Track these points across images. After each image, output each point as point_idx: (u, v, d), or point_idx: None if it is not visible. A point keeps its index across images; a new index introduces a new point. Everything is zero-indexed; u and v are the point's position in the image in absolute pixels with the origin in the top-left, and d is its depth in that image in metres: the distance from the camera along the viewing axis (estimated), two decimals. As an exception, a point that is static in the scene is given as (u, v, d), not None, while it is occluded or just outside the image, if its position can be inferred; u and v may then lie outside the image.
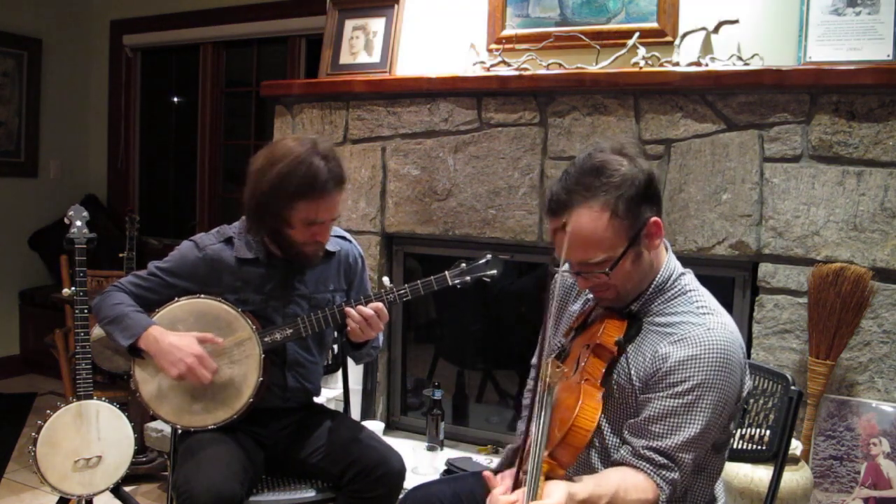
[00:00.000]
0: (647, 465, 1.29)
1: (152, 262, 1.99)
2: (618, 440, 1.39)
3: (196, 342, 1.84)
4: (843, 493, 2.18)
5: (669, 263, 1.44)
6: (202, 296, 1.93)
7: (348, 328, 1.85)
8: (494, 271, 1.92)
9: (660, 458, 1.29)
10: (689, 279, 1.45)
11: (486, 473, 1.25)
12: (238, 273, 1.95)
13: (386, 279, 1.95)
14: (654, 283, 1.42)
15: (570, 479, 1.21)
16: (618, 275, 1.36)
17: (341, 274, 2.06)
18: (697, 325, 1.34)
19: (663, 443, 1.29)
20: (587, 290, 1.56)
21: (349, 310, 1.83)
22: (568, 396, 1.29)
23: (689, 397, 1.29)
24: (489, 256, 1.93)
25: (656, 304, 1.41)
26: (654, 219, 1.37)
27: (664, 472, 1.29)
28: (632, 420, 1.35)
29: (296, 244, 1.89)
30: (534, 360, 1.76)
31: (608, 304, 1.44)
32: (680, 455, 1.29)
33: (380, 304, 1.85)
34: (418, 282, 1.89)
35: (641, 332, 1.40)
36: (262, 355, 1.89)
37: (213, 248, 1.95)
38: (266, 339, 1.90)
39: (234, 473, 1.76)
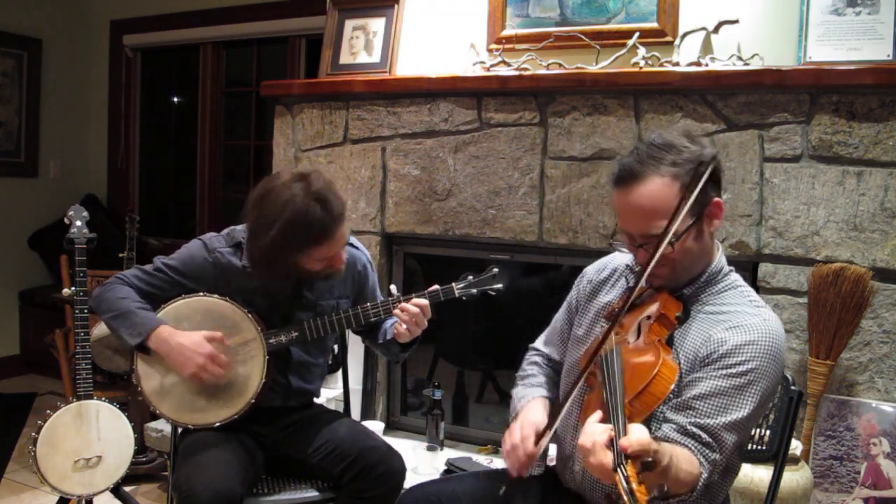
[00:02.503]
0: (692, 442, 1.29)
1: (158, 257, 1.98)
2: (656, 424, 1.38)
3: (205, 341, 1.84)
4: (843, 493, 2.18)
5: (721, 258, 1.48)
6: (208, 294, 1.93)
7: (398, 330, 1.88)
8: (500, 285, 1.96)
9: (705, 436, 1.29)
10: (738, 276, 1.49)
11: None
12: (246, 280, 1.94)
13: (393, 287, 1.96)
14: (707, 272, 1.45)
15: None
16: (679, 249, 1.37)
17: (348, 281, 2.06)
18: (754, 314, 1.38)
19: (710, 420, 1.29)
20: (624, 281, 1.58)
21: (400, 309, 1.85)
22: (642, 353, 1.31)
23: (743, 380, 1.30)
24: (495, 270, 1.97)
25: (706, 294, 1.44)
26: (717, 199, 1.40)
27: (707, 452, 1.28)
28: (676, 399, 1.35)
29: (314, 274, 1.90)
30: (535, 344, 1.79)
31: (661, 284, 1.45)
32: (724, 436, 1.29)
33: (425, 301, 1.87)
34: (425, 292, 1.92)
35: (690, 319, 1.42)
36: (267, 356, 1.89)
37: (222, 252, 1.95)
38: (271, 341, 1.91)
39: (235, 473, 1.76)
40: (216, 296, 1.92)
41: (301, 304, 1.99)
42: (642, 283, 1.39)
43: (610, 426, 1.13)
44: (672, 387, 1.25)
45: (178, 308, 1.92)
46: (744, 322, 1.36)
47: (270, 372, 1.90)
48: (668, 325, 1.39)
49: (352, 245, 2.10)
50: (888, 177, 2.17)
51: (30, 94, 4.37)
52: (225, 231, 2.00)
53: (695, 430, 1.29)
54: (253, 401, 1.88)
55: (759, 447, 1.66)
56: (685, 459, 1.25)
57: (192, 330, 1.88)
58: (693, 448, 1.28)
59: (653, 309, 1.41)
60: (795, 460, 2.07)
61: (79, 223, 2.29)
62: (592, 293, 1.64)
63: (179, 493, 1.71)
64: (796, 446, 2.12)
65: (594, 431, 1.14)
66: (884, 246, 2.18)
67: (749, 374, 1.31)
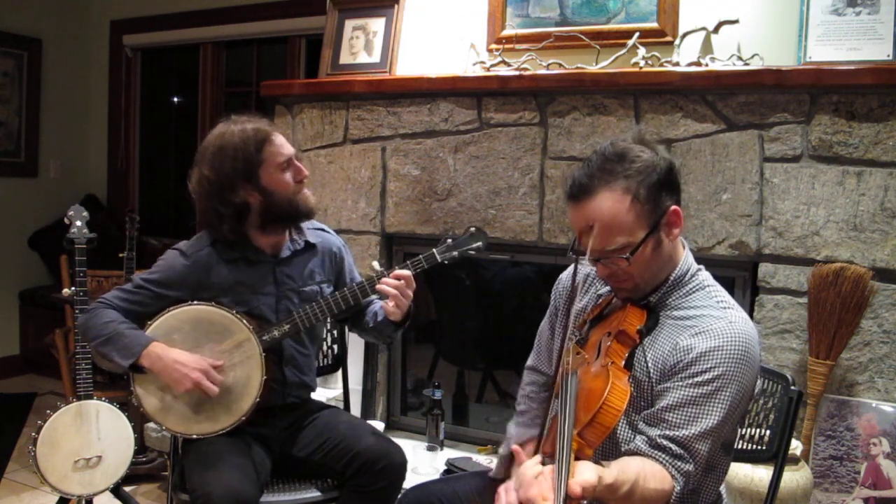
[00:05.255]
0: (663, 456, 1.28)
1: (136, 274, 1.98)
2: (630, 433, 1.38)
3: (200, 356, 1.84)
4: (843, 493, 2.18)
5: (687, 259, 1.45)
6: (195, 302, 1.91)
7: (386, 306, 1.87)
8: (479, 243, 1.94)
9: (676, 448, 1.28)
10: (706, 275, 1.46)
11: (516, 448, 1.24)
12: (227, 274, 1.94)
13: (375, 263, 1.96)
14: (673, 276, 1.42)
15: (597, 461, 1.20)
16: (637, 262, 1.36)
17: (326, 265, 2.07)
18: (719, 318, 1.35)
19: (680, 432, 1.28)
20: (596, 287, 1.57)
21: (382, 284, 1.86)
22: (594, 379, 1.29)
23: (710, 387, 1.29)
24: (473, 229, 1.96)
25: (674, 297, 1.42)
26: (674, 207, 1.38)
27: (679, 464, 1.27)
28: (647, 410, 1.34)
29: (288, 196, 1.91)
30: (529, 363, 1.76)
31: (626, 296, 1.44)
32: (696, 446, 1.28)
33: (407, 272, 1.88)
34: (408, 262, 1.92)
35: (658, 325, 1.40)
36: (263, 354, 1.89)
37: (199, 254, 1.94)
38: (265, 338, 1.91)
39: (250, 477, 1.77)
40: (202, 303, 1.91)
41: (285, 292, 1.98)
42: (572, 318, 1.38)
43: (543, 468, 1.13)
44: (622, 416, 1.23)
45: (167, 321, 1.89)
46: (709, 327, 1.33)
47: (269, 369, 1.90)
48: (628, 342, 1.36)
49: (323, 230, 2.12)
50: (888, 177, 2.17)
51: (30, 94, 4.37)
52: (196, 236, 2.00)
53: (665, 442, 1.28)
54: (258, 400, 1.88)
55: (759, 447, 1.66)
56: (654, 476, 1.24)
57: (183, 341, 1.87)
58: (664, 461, 1.27)
59: (613, 325, 1.39)
60: (795, 460, 2.07)
61: (79, 223, 2.29)
62: (569, 298, 1.61)
63: (196, 498, 1.69)
64: (796, 446, 2.12)
65: (528, 480, 1.13)
66: (884, 246, 2.18)
67: (716, 380, 1.29)
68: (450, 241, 1.95)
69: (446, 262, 1.93)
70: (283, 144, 1.92)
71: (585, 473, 1.10)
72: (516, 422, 1.70)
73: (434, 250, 1.93)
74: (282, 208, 1.92)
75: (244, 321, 1.90)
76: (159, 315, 1.90)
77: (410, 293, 1.89)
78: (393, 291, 1.85)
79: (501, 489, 1.45)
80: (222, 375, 1.86)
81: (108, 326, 1.86)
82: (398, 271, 1.88)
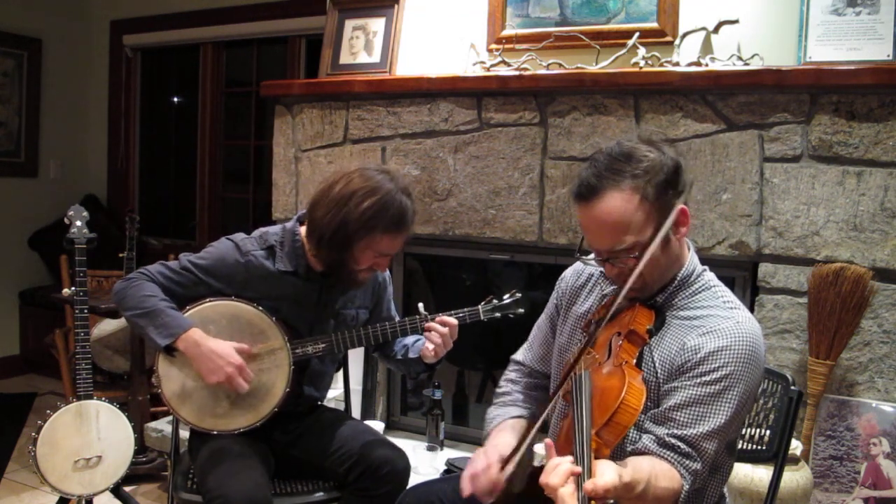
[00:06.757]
0: (671, 454, 1.28)
1: (184, 254, 1.92)
2: (635, 433, 1.38)
3: (235, 351, 1.81)
4: (843, 493, 2.18)
5: (693, 259, 1.46)
6: (235, 298, 1.89)
7: (428, 347, 1.87)
8: (521, 310, 2.00)
9: (683, 447, 1.28)
10: (711, 275, 1.47)
11: (549, 441, 1.24)
12: (276, 284, 1.91)
13: (420, 305, 1.96)
14: (679, 276, 1.43)
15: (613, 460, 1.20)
16: (647, 263, 1.35)
17: (369, 292, 2.06)
18: (726, 318, 1.36)
19: (687, 431, 1.28)
20: (601, 287, 1.57)
21: (432, 329, 1.86)
22: (609, 378, 1.30)
23: (718, 387, 1.30)
24: (519, 295, 1.99)
25: (680, 297, 1.42)
26: (681, 206, 1.37)
27: (687, 462, 1.28)
28: (654, 410, 1.35)
29: (353, 271, 1.88)
30: (517, 357, 1.76)
31: (633, 296, 1.44)
32: (703, 445, 1.29)
33: (454, 321, 1.89)
34: (452, 312, 1.93)
35: (665, 325, 1.41)
36: (292, 366, 1.88)
37: (255, 255, 1.91)
38: (298, 352, 1.90)
39: (265, 480, 1.77)
40: (243, 301, 1.89)
41: (325, 312, 1.97)
42: (614, 307, 1.37)
43: (575, 464, 1.12)
44: (639, 415, 1.23)
45: (204, 311, 1.87)
46: (717, 327, 1.34)
47: (293, 381, 1.89)
48: (639, 341, 1.37)
49: None
50: (888, 177, 2.17)
51: (30, 94, 4.37)
52: (256, 233, 1.96)
53: (673, 441, 1.29)
54: (276, 409, 1.87)
55: (759, 447, 1.66)
56: (664, 475, 1.25)
57: (217, 334, 1.84)
58: (672, 460, 1.28)
59: (623, 325, 1.39)
60: (795, 460, 2.07)
61: (79, 223, 2.29)
62: (571, 299, 1.62)
63: (212, 499, 1.69)
64: (796, 446, 2.12)
65: (557, 473, 1.11)
66: (884, 246, 2.18)
67: (724, 380, 1.30)
68: (495, 301, 1.99)
69: (486, 320, 1.97)
70: (396, 242, 1.86)
71: (607, 474, 1.09)
72: (497, 403, 1.69)
73: (479, 307, 1.96)
74: (336, 268, 1.89)
75: (281, 329, 1.89)
76: (198, 303, 1.87)
77: (451, 342, 1.89)
78: (438, 340, 1.86)
79: (480, 451, 1.47)
80: (250, 380, 1.84)
81: (148, 300, 1.82)
82: (445, 318, 1.88)
